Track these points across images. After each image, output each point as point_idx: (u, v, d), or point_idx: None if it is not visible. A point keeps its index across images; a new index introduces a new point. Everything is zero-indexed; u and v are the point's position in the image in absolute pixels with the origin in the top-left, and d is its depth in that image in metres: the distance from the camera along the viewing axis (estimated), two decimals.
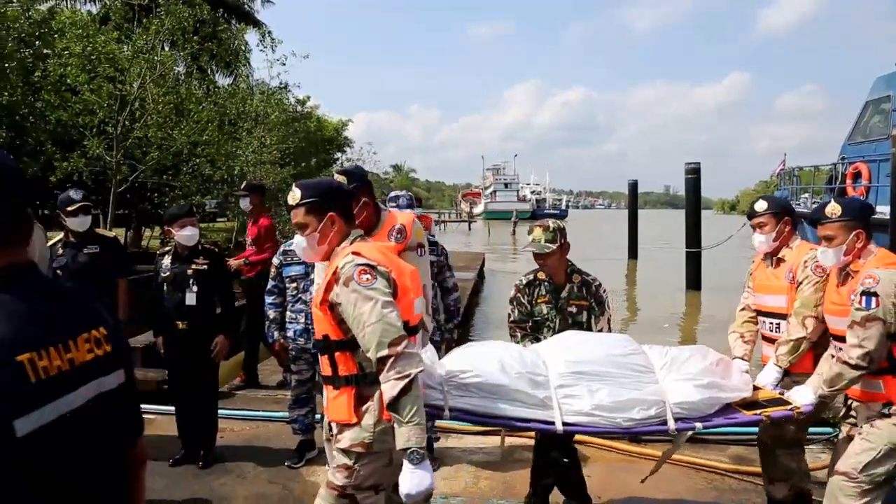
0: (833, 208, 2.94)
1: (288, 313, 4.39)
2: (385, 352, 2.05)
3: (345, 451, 2.27)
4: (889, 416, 2.75)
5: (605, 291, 3.52)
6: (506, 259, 24.19)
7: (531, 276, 3.54)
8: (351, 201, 2.51)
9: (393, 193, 4.41)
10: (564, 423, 2.79)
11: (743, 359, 3.42)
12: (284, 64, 14.34)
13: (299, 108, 18.93)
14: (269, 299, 4.44)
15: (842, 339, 2.84)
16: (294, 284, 4.33)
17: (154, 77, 11.29)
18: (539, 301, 3.48)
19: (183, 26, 11.46)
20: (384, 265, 2.22)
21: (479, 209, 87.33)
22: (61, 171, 10.59)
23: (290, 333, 4.37)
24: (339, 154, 24.85)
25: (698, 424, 2.87)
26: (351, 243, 2.32)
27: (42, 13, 13.32)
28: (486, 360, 2.88)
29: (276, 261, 4.43)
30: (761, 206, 3.43)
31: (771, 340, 3.41)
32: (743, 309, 3.65)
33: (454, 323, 4.57)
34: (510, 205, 76.16)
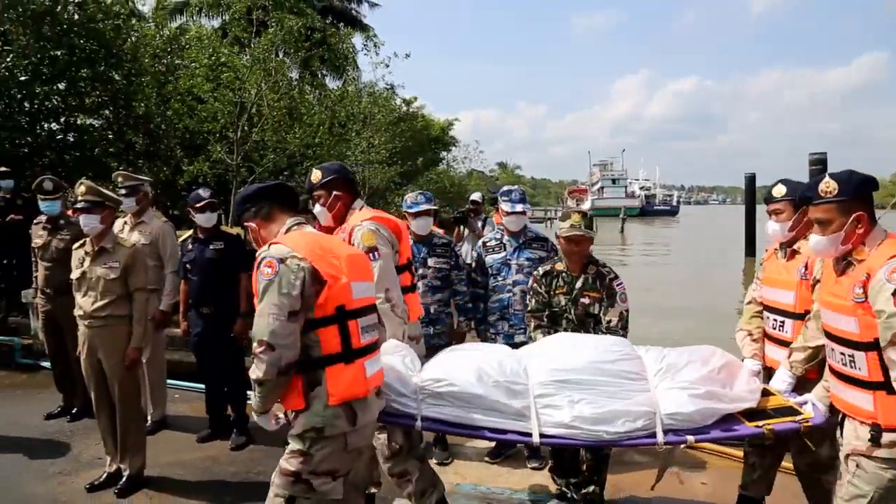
0: (828, 185, 2.33)
1: None
2: (255, 346, 2.17)
3: (299, 437, 2.26)
4: (873, 456, 2.19)
5: (619, 284, 3.42)
6: (614, 257, 23.53)
7: (548, 267, 3.55)
8: (283, 193, 2.56)
9: (505, 188, 4.46)
10: (542, 435, 2.66)
11: (753, 359, 3.13)
12: (388, 65, 14.70)
13: (405, 109, 19.32)
14: None
15: (838, 339, 2.34)
16: None
17: (270, 84, 11.91)
18: (557, 292, 3.48)
19: (294, 36, 12.01)
20: (303, 256, 2.23)
21: (585, 206, 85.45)
22: (188, 174, 11.45)
23: None
24: (444, 153, 25.13)
25: (690, 437, 2.65)
26: (287, 231, 2.41)
27: (173, 31, 14.41)
28: (463, 368, 2.79)
29: None
30: (779, 191, 3.07)
31: (775, 340, 3.10)
32: (750, 302, 3.32)
33: None
34: (618, 201, 74.27)
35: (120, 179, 4.81)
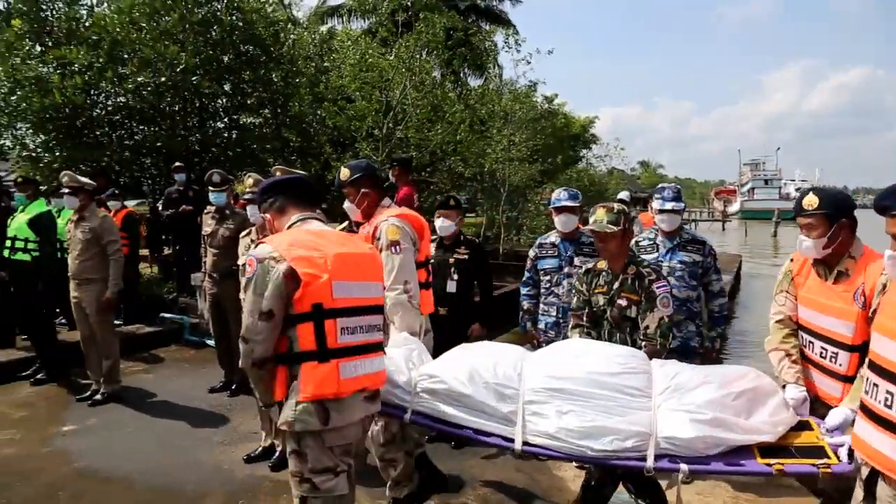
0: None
1: (541, 305, 4.39)
2: (240, 342, 2.27)
3: (290, 437, 2.30)
4: None
5: (662, 287, 3.20)
6: (763, 265, 21.78)
7: (591, 264, 3.47)
8: (298, 188, 2.61)
9: (660, 185, 4.35)
10: (525, 443, 2.58)
11: (797, 384, 2.79)
12: (529, 62, 14.53)
13: (546, 106, 19.08)
14: (524, 290, 4.49)
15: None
16: (548, 277, 4.32)
17: (414, 83, 12.21)
18: (596, 291, 3.35)
19: (438, 37, 12.21)
20: (282, 256, 2.24)
21: (733, 208, 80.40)
22: (337, 170, 11.98)
23: (541, 325, 4.37)
24: (584, 150, 24.58)
25: (684, 466, 2.41)
26: (288, 228, 2.49)
27: (323, 34, 15.19)
28: (457, 366, 2.78)
29: (531, 253, 4.46)
30: (810, 202, 2.72)
31: (823, 369, 2.77)
32: (780, 320, 2.98)
33: (718, 330, 4.28)
34: (771, 203, 68.94)
35: (279, 172, 5.09)
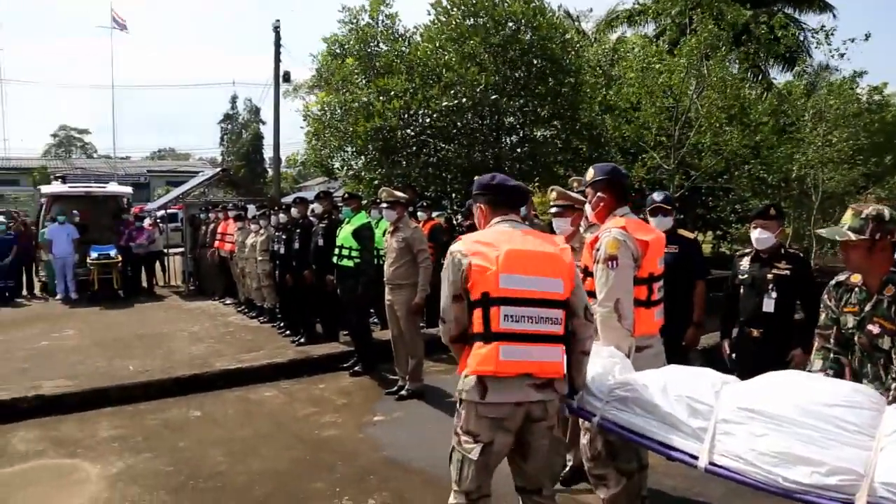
0: None
1: None
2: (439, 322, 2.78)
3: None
4: None
5: None
6: None
7: (845, 276, 2.87)
8: (494, 192, 2.86)
9: None
10: (711, 462, 2.42)
11: None
12: (843, 54, 12.54)
13: (872, 98, 16.35)
14: None
15: None
16: None
17: (707, 84, 11.36)
18: (846, 310, 2.79)
19: (722, 35, 11.20)
20: (465, 251, 2.64)
21: None
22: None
23: None
24: None
25: None
26: (490, 225, 2.84)
27: (611, 43, 15.01)
28: (652, 377, 2.78)
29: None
30: None
31: None
32: None
33: None
34: None
35: (576, 184, 5.05)
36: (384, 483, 4.32)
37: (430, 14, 10.93)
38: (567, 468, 4.21)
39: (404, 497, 4.11)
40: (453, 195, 11.36)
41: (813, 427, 2.25)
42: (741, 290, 4.08)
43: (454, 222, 10.89)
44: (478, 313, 2.57)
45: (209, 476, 4.46)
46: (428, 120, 10.53)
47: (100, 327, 9.56)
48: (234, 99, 52.34)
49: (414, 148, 10.95)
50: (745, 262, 4.13)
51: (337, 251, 6.86)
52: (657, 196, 4.38)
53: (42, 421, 5.57)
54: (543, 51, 10.41)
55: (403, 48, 10.73)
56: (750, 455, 2.33)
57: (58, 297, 12.30)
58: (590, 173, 3.47)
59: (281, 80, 22.69)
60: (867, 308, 2.71)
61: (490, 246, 2.63)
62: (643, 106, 11.32)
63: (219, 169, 18.82)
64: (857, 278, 2.82)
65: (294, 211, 8.73)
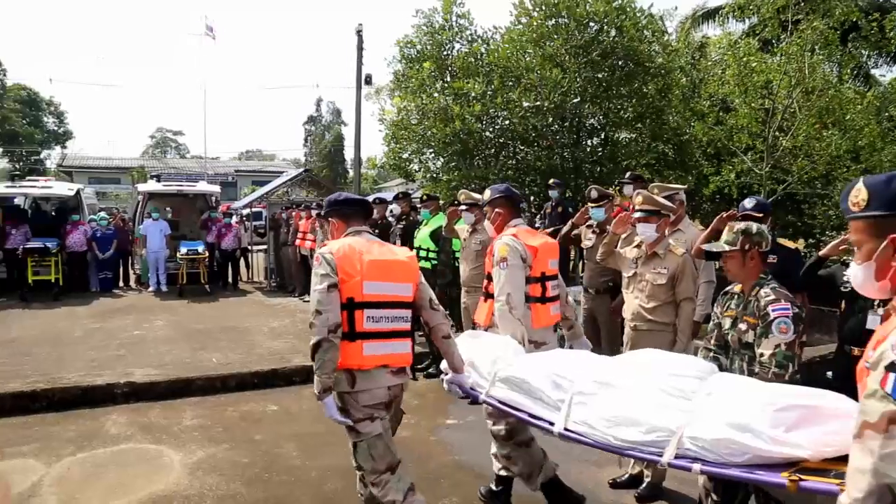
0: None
1: None
2: (310, 318, 2.91)
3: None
4: None
5: (779, 309, 2.91)
6: None
7: (730, 287, 3.32)
8: (344, 207, 3.31)
9: None
10: (566, 429, 2.80)
11: None
12: None
13: None
14: None
15: None
16: None
17: (804, 84, 10.75)
18: (725, 314, 3.24)
19: (831, 34, 10.54)
20: (336, 254, 2.99)
21: None
22: (714, 184, 11.27)
23: None
24: None
25: (696, 466, 2.38)
26: (345, 236, 3.19)
27: (697, 42, 14.45)
28: (532, 359, 3.24)
29: None
30: None
31: None
32: None
33: None
34: None
35: (656, 191, 4.86)
36: (455, 488, 4.29)
37: (511, 14, 10.86)
38: (644, 485, 4.06)
39: (473, 502, 4.06)
40: (531, 198, 11.23)
41: (656, 395, 2.61)
42: (842, 304, 3.78)
43: (534, 225, 10.78)
44: (345, 315, 3.00)
45: (283, 469, 4.55)
46: (507, 122, 10.44)
47: (187, 319, 9.98)
48: (318, 102, 53.91)
49: (492, 150, 10.89)
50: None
51: (415, 252, 6.88)
52: (748, 203, 4.16)
53: (133, 406, 5.88)
54: (627, 51, 10.12)
55: (481, 50, 10.69)
56: (594, 420, 2.71)
57: (150, 289, 12.95)
58: (487, 193, 4.07)
59: (363, 82, 23.14)
60: (740, 309, 3.13)
61: (352, 254, 3.03)
62: (737, 106, 10.83)
63: (302, 169, 19.36)
64: (738, 287, 3.23)
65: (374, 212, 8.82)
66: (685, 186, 5.52)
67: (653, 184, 5.15)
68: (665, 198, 4.57)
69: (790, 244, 4.67)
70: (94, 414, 5.66)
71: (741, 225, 3.16)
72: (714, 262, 4.56)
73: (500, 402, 3.22)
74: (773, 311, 2.92)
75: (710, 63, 12.72)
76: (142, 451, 4.88)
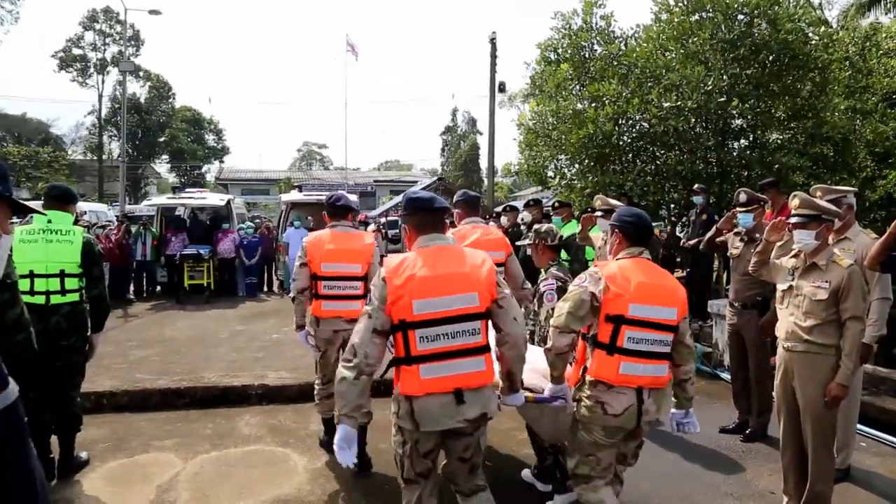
0: None
1: None
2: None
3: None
4: None
5: (547, 284, 4.01)
6: None
7: None
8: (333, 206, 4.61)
9: None
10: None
11: None
12: None
13: None
14: None
15: None
16: None
17: None
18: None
19: None
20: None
21: None
22: (883, 188, 10.05)
23: None
24: None
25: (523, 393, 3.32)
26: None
27: (864, 30, 12.98)
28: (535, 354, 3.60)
29: None
30: None
31: None
32: None
33: None
34: None
35: (819, 193, 4.27)
36: None
37: (651, 11, 10.32)
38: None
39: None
40: (671, 205, 10.55)
41: (532, 364, 3.37)
42: None
43: (676, 233, 10.10)
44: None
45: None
46: (645, 125, 9.88)
47: None
48: (454, 112, 54.86)
49: (629, 155, 10.37)
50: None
51: None
52: None
53: (265, 408, 6.07)
54: (780, 45, 9.22)
55: (620, 50, 10.20)
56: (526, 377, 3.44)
57: (291, 294, 13.57)
58: (456, 196, 5.00)
59: (496, 90, 23.14)
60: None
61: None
62: None
63: (435, 178, 19.68)
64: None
65: (503, 219, 8.65)
66: (853, 189, 4.82)
67: (815, 186, 4.54)
68: (830, 201, 4.01)
69: None
70: (229, 413, 5.90)
71: (537, 226, 4.20)
72: (890, 276, 3.94)
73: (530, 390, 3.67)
74: (545, 285, 4.05)
75: (881, 53, 11.38)
76: (270, 453, 4.98)
